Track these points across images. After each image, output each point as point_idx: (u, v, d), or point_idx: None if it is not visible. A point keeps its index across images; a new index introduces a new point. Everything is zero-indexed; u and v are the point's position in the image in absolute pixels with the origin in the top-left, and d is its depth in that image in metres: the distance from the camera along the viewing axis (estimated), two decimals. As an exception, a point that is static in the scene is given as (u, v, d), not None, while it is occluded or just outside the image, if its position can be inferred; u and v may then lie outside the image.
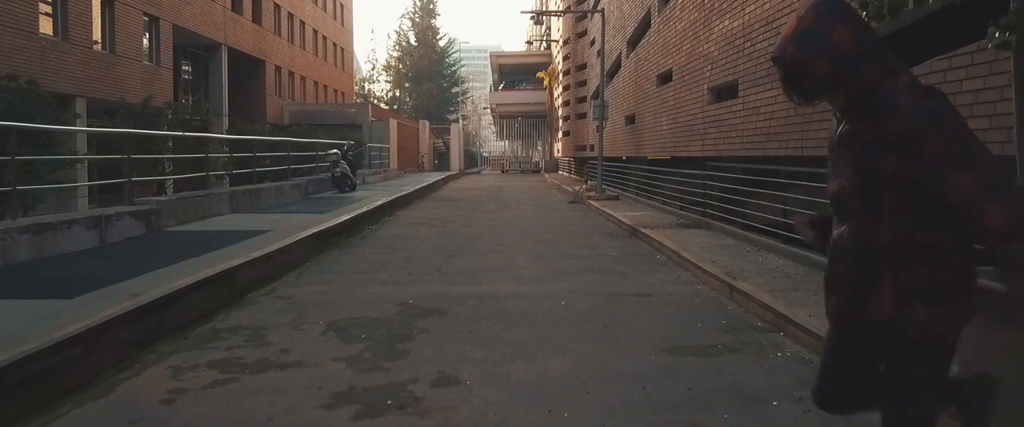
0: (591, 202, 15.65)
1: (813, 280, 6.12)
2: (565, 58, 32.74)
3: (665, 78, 12.83)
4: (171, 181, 12.38)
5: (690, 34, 10.88)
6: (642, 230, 9.98)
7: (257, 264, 6.76)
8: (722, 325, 5.17)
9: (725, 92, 9.49)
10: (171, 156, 10.74)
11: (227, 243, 7.84)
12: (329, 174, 16.75)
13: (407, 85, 60.75)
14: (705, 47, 10.15)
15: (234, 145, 13.43)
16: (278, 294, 6.40)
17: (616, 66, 18.66)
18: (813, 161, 6.95)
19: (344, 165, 16.92)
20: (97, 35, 17.33)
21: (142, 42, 19.07)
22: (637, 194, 15.42)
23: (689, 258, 7.49)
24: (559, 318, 5.38)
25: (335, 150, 16.95)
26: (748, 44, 8.45)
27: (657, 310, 5.66)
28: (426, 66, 59.72)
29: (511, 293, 6.30)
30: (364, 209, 12.31)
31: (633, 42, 16.17)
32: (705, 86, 10.21)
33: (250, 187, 12.40)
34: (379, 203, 13.85)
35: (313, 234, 8.70)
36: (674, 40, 11.94)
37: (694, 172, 10.73)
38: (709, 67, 9.99)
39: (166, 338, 4.83)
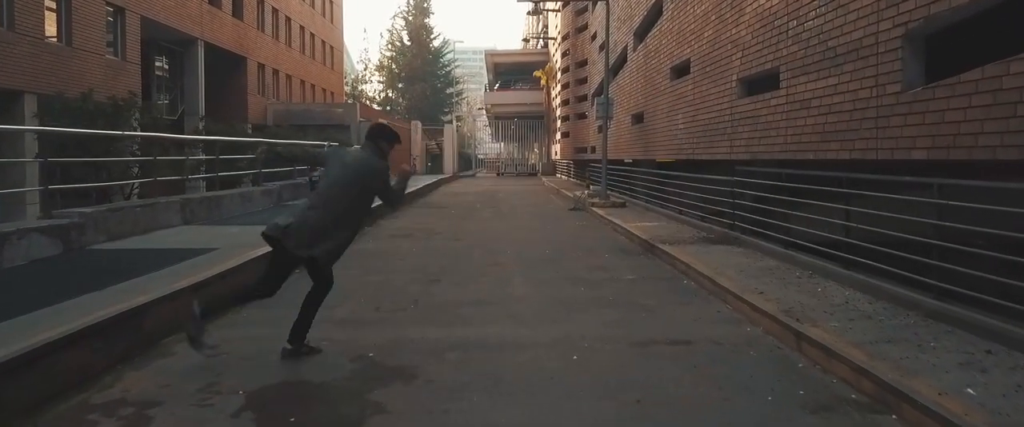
0: (595, 209, 14.16)
1: (906, 325, 4.63)
2: (564, 55, 31.27)
3: (681, 71, 11.36)
4: (136, 187, 10.85)
5: (714, 17, 9.40)
6: (660, 246, 8.49)
7: (181, 298, 5.24)
8: (802, 399, 3.67)
9: (761, 83, 8.02)
10: (107, 159, 9.18)
11: (158, 266, 6.33)
12: (306, 178, 15.22)
13: (400, 85, 59.15)
14: (734, 31, 8.67)
15: (194, 147, 11.93)
16: (204, 340, 4.88)
17: (621, 61, 17.19)
18: (891, 166, 5.47)
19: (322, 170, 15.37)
20: (52, 26, 15.76)
21: (104, 34, 17.48)
22: (647, 201, 13.93)
23: (728, 287, 5.99)
24: (572, 386, 3.88)
25: (313, 152, 15.39)
26: (793, 23, 6.97)
27: (704, 370, 4.16)
28: (420, 66, 58.13)
29: (506, 340, 4.80)
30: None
31: (641, 33, 14.69)
32: (734, 77, 8.73)
33: (209, 194, 10.88)
34: (358, 211, 12.32)
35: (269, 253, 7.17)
36: (692, 26, 10.46)
37: (720, 178, 9.25)
38: (739, 55, 8.51)
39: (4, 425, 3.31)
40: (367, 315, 5.61)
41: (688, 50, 10.74)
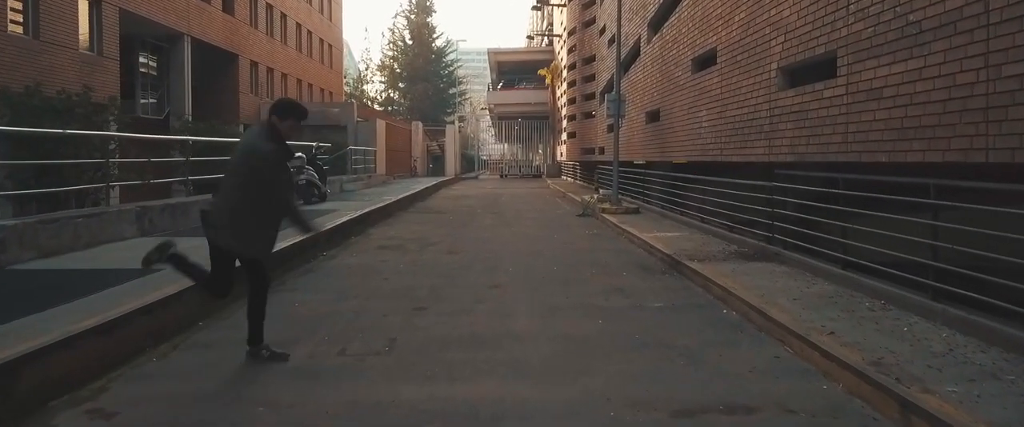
0: (606, 216, 12.92)
1: (1053, 389, 3.38)
2: (570, 51, 30.04)
3: (705, 62, 10.12)
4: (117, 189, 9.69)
5: (747, -2, 8.16)
6: (688, 263, 7.25)
7: (81, 345, 4.04)
8: (951, 527, 2.43)
9: (810, 72, 6.78)
10: (44, 162, 7.97)
11: (82, 293, 5.18)
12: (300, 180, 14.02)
13: (402, 85, 58.04)
14: (773, 12, 7.43)
15: (156, 147, 10.76)
16: (103, 402, 3.69)
17: (633, 55, 15.96)
18: (1007, 172, 4.22)
19: (310, 171, 14.23)
20: (16, 17, 14.57)
21: (78, 27, 16.29)
22: (663, 207, 12.68)
23: (785, 323, 4.75)
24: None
25: (300, 153, 14.22)
26: (857, -4, 5.72)
27: (786, 464, 2.92)
28: (421, 65, 56.99)
29: (505, 406, 3.57)
30: (322, 228, 9.58)
31: (656, 24, 13.46)
32: (773, 66, 7.49)
33: (173, 201, 9.70)
34: (345, 219, 11.15)
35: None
36: (719, 10, 9.22)
37: (754, 182, 8.01)
38: (780, 39, 7.27)
39: None
40: (328, 360, 4.38)
41: (714, 38, 9.50)
